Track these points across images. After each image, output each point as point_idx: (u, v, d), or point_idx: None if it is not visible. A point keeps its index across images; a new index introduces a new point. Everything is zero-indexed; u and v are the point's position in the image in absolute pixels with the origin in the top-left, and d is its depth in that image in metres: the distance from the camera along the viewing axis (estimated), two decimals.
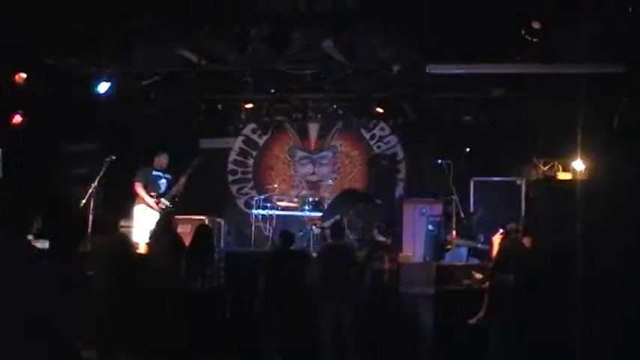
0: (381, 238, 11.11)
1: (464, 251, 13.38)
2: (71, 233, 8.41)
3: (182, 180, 13.40)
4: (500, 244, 10.88)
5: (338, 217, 14.41)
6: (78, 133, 15.99)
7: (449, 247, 13.38)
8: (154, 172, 13.53)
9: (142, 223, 13.16)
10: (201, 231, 10.85)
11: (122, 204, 13.61)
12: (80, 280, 3.86)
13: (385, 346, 10.25)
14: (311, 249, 13.95)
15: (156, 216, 12.77)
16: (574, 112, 13.32)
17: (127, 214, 13.38)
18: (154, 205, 13.24)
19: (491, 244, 11.76)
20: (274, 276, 10.70)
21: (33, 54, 12.88)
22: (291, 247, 11.60)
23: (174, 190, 13.40)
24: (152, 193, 13.33)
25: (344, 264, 10.78)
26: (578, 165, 13.95)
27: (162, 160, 13.66)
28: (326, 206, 15.77)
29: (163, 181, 13.50)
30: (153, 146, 14.03)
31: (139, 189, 13.33)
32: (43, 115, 14.51)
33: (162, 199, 13.28)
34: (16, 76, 13.13)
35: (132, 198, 13.43)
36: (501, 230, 11.20)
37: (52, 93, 14.20)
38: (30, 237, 4.04)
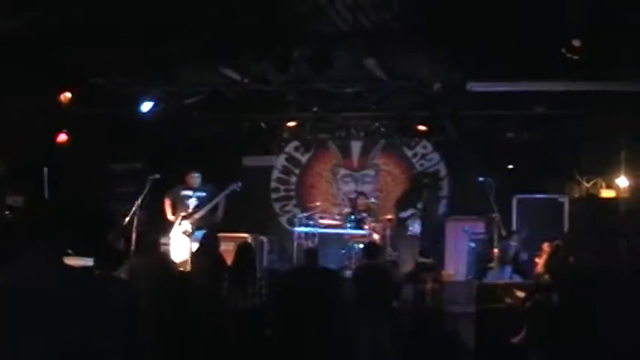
0: (423, 259, 11.13)
1: (508, 270, 13.30)
2: (114, 252, 8.50)
3: (209, 205, 13.58)
4: (546, 261, 10.82)
5: (373, 237, 14.56)
6: (123, 152, 16.20)
7: (491, 265, 13.32)
8: (183, 192, 13.75)
9: (179, 240, 13.35)
10: (243, 249, 10.89)
11: (163, 222, 13.77)
12: (123, 300, 3.89)
13: None
14: (353, 267, 13.94)
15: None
16: (617, 129, 13.29)
17: (167, 232, 13.55)
18: (175, 224, 13.58)
19: (535, 264, 11.68)
20: (295, 295, 10.65)
21: (78, 74, 13.07)
22: (332, 266, 11.61)
23: (199, 214, 13.58)
24: (182, 213, 13.55)
25: (380, 283, 10.78)
26: (622, 182, 13.85)
27: (191, 179, 13.84)
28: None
29: (193, 200, 13.68)
30: (195, 165, 14.16)
31: (166, 202, 13.64)
32: (88, 134, 14.69)
33: (185, 222, 13.48)
34: (61, 96, 13.33)
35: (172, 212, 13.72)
36: (546, 245, 11.13)
37: (96, 112, 14.39)
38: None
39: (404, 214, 15.37)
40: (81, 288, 3.70)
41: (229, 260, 10.80)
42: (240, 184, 13.87)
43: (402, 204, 16.00)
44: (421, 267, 11.16)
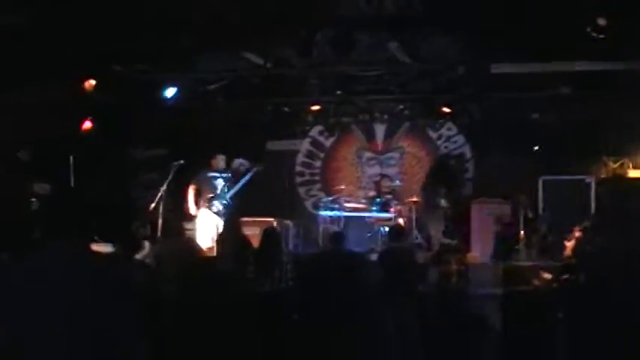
0: (447, 241, 11.09)
1: (534, 251, 13.23)
2: (136, 237, 8.52)
3: (238, 185, 13.61)
4: (575, 243, 10.73)
5: (399, 220, 14.55)
6: (147, 139, 16.25)
7: (517, 247, 13.27)
8: (209, 174, 13.76)
9: (205, 226, 13.38)
10: (268, 233, 10.87)
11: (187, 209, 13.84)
12: (144, 286, 3.89)
13: (452, 347, 10.20)
14: (379, 250, 13.91)
15: (217, 219, 13.06)
16: None
17: (192, 218, 13.61)
18: (193, 208, 13.65)
19: (563, 246, 11.59)
20: (321, 279, 10.61)
21: (101, 61, 13.10)
22: (358, 249, 11.56)
23: (230, 194, 13.61)
24: (209, 195, 13.56)
25: (405, 267, 10.74)
26: None
27: (217, 161, 13.88)
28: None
29: (220, 180, 13.71)
30: (218, 150, 14.17)
31: (189, 191, 13.65)
32: (112, 121, 14.73)
33: (216, 202, 13.50)
34: (86, 83, 13.36)
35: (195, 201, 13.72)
36: (577, 229, 11.05)
37: (121, 99, 14.42)
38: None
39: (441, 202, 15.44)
40: (107, 277, 3.71)
41: (255, 245, 10.80)
42: (260, 169, 13.93)
43: (427, 187, 16.02)
44: (445, 248, 11.13)
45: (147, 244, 10.83)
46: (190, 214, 13.73)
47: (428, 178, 16.58)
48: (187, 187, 13.76)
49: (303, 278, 10.47)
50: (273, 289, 9.94)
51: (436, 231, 14.67)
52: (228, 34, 12.37)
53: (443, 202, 15.61)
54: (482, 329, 10.93)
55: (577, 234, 10.94)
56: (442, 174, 16.30)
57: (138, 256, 8.90)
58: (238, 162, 14.07)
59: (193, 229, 13.50)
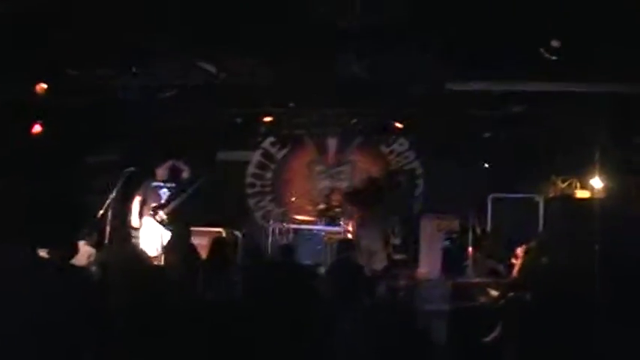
0: (397, 256, 11.12)
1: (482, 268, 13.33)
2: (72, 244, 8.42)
3: (183, 196, 13.57)
4: (521, 261, 10.84)
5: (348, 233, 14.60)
6: (98, 144, 16.10)
7: (465, 263, 13.36)
8: (154, 184, 13.71)
9: (149, 235, 13.32)
10: (217, 243, 10.84)
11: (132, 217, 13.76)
12: (93, 293, 3.84)
13: None
14: (328, 263, 13.93)
15: (162, 229, 12.99)
16: (592, 130, 13.35)
17: (138, 227, 13.55)
18: (136, 220, 13.60)
19: (511, 264, 11.71)
20: (270, 291, 10.58)
21: (54, 64, 12.96)
22: (307, 262, 11.54)
23: (172, 205, 13.54)
24: (153, 205, 13.49)
25: (353, 279, 10.76)
26: (597, 183, 13.89)
27: (161, 171, 13.82)
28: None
29: (164, 190, 13.67)
30: (170, 158, 14.11)
31: (134, 201, 13.56)
32: (63, 125, 14.57)
33: (160, 212, 13.43)
34: (37, 87, 13.21)
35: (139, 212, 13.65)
36: (523, 247, 11.15)
37: (73, 104, 14.28)
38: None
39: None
40: (54, 282, 3.66)
41: (204, 255, 10.74)
42: (205, 177, 13.90)
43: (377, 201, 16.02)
44: (395, 264, 11.16)
45: (91, 250, 10.74)
46: (133, 226, 13.65)
47: (377, 192, 16.57)
48: (133, 196, 13.69)
49: (250, 290, 10.43)
50: (221, 300, 9.88)
51: (383, 246, 14.66)
52: (184, 42, 12.32)
53: (392, 217, 15.63)
54: (427, 345, 10.96)
55: (523, 252, 11.06)
56: (391, 189, 16.32)
57: (83, 262, 8.82)
58: (170, 163, 14.03)
59: (138, 238, 13.42)
